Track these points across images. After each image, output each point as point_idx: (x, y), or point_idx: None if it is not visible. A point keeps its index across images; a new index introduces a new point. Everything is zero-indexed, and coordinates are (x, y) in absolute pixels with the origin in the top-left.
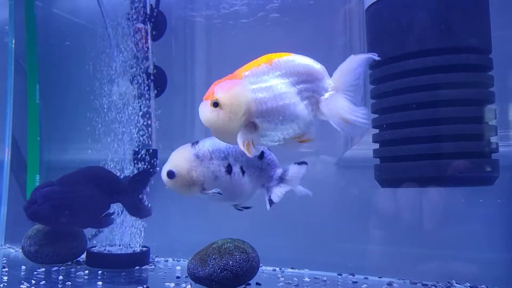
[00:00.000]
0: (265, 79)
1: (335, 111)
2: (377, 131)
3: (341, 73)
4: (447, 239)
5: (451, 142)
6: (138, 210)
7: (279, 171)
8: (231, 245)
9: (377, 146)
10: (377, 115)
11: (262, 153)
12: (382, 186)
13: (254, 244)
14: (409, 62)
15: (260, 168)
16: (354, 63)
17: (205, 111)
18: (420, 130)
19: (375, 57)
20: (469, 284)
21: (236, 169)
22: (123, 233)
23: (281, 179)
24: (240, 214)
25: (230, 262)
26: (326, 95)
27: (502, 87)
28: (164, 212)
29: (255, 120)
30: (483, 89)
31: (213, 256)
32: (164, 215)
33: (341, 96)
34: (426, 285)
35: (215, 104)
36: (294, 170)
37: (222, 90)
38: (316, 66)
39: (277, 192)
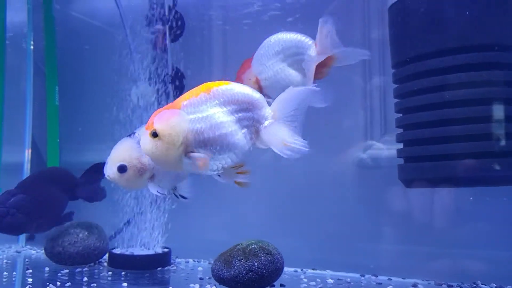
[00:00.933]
0: (203, 109)
1: (275, 138)
2: (400, 130)
3: (279, 103)
4: (469, 238)
5: (480, 141)
6: (93, 196)
7: None
8: (255, 246)
9: (400, 145)
10: (401, 115)
11: None
12: (407, 186)
13: (275, 244)
14: (437, 60)
15: None
16: (293, 94)
17: (145, 142)
18: (448, 129)
19: (316, 88)
20: (494, 285)
21: None
22: (144, 234)
23: None
24: (258, 214)
25: (256, 264)
26: (266, 123)
27: None
28: (183, 212)
29: (193, 150)
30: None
31: (238, 258)
32: (183, 216)
33: (280, 123)
34: (452, 286)
35: (154, 134)
36: None
37: (160, 120)
38: (256, 95)
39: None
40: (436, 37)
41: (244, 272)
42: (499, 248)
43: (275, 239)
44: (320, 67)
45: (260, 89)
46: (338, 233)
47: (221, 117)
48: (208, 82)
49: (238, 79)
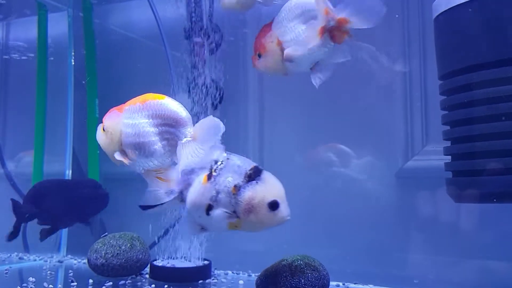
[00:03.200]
0: (135, 117)
1: (185, 155)
2: (448, 143)
3: (200, 126)
4: None
5: None
6: None
7: None
8: (301, 262)
9: (447, 159)
10: (449, 127)
11: None
12: (456, 201)
13: (314, 255)
14: (488, 71)
15: None
16: (211, 123)
17: (98, 133)
18: (501, 143)
19: (222, 129)
20: None
21: None
22: (185, 246)
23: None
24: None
25: (302, 281)
26: (184, 140)
27: None
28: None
29: (124, 149)
30: None
31: (284, 274)
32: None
33: (195, 144)
34: None
35: (103, 129)
36: None
37: (107, 118)
38: (182, 113)
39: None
40: (487, 49)
41: None
42: None
43: (312, 250)
44: (336, 31)
45: (282, 51)
46: (378, 245)
47: (145, 127)
48: (149, 94)
49: (257, 43)
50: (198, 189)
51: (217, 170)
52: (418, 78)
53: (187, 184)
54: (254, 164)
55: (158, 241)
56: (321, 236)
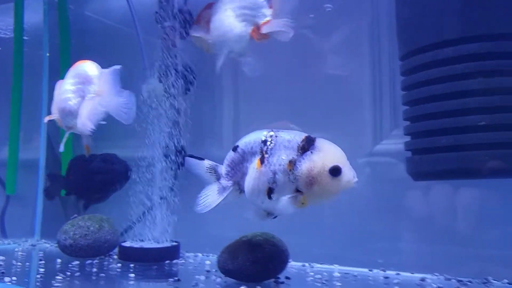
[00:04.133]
0: (64, 80)
1: (85, 109)
2: (407, 123)
3: (103, 81)
4: (479, 237)
5: (486, 132)
6: None
7: None
8: (260, 238)
9: (408, 138)
10: (408, 107)
11: None
12: (415, 179)
13: (284, 238)
14: (443, 50)
15: None
16: (110, 73)
17: None
18: (454, 120)
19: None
20: (507, 281)
21: None
22: (154, 228)
23: None
24: None
25: (260, 255)
26: (89, 96)
27: None
28: (193, 208)
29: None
30: None
31: (243, 250)
32: (193, 211)
33: (96, 100)
34: (461, 281)
35: None
36: None
37: None
38: (90, 71)
39: None
40: (443, 27)
41: (249, 263)
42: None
43: (285, 234)
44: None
45: (208, 30)
46: (349, 230)
47: (64, 86)
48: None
49: (197, 16)
50: (253, 175)
51: (268, 151)
52: (387, 60)
53: (242, 174)
54: (305, 134)
55: (131, 228)
56: (292, 220)
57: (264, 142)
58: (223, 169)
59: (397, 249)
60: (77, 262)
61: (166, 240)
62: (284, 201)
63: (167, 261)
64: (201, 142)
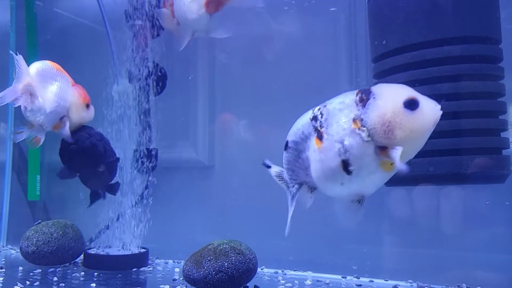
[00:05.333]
0: None
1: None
2: None
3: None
4: (459, 240)
5: (457, 137)
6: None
7: None
8: (227, 246)
9: None
10: None
11: None
12: (386, 185)
13: (256, 245)
14: (413, 53)
15: None
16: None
17: None
18: None
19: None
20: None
21: None
22: (121, 235)
23: None
24: (243, 214)
25: (225, 264)
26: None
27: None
28: (165, 213)
29: None
30: (493, 81)
31: (208, 258)
32: (165, 216)
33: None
34: None
35: None
36: None
37: None
38: (20, 68)
39: None
40: (413, 30)
41: (214, 272)
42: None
43: (258, 239)
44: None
45: (172, 13)
46: (324, 234)
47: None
48: None
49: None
50: (318, 158)
51: (323, 124)
52: (364, 62)
53: (304, 170)
54: (355, 90)
55: (99, 235)
56: (267, 225)
57: (314, 118)
58: (285, 174)
59: (372, 255)
60: (39, 270)
61: (135, 247)
62: (368, 168)
63: (134, 269)
64: (173, 144)
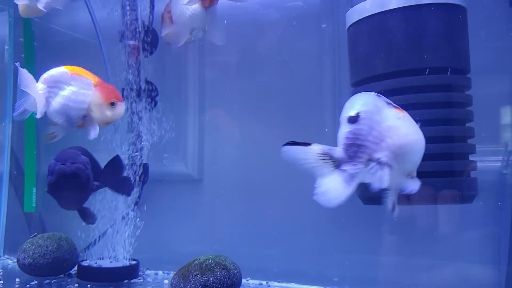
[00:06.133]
0: None
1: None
2: None
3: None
4: (444, 249)
5: (428, 161)
6: (120, 186)
7: None
8: (212, 261)
9: None
10: None
11: None
12: (365, 203)
13: (242, 257)
14: (383, 83)
15: None
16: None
17: None
18: None
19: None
20: None
21: None
22: (114, 247)
23: None
24: (230, 226)
25: (211, 279)
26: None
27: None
28: (155, 223)
29: None
30: (460, 108)
31: (195, 273)
32: (155, 227)
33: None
34: None
35: None
36: None
37: None
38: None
39: None
40: (384, 61)
41: (200, 287)
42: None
43: (244, 251)
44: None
45: (170, 20)
46: (311, 245)
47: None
48: None
49: (161, 17)
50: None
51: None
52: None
53: (379, 142)
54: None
55: (92, 245)
56: (254, 235)
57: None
58: (340, 151)
59: (356, 264)
60: (35, 282)
61: (126, 259)
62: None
63: (126, 281)
64: (163, 158)
